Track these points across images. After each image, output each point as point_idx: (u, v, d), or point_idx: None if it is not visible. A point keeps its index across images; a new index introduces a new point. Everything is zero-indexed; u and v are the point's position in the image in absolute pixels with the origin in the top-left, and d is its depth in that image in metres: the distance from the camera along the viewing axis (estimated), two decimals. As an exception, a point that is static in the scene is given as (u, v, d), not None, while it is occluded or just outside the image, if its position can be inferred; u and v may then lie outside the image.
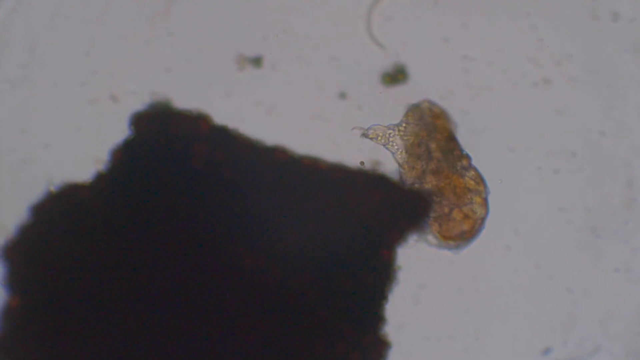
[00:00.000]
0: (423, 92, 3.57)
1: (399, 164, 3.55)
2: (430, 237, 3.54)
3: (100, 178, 3.49)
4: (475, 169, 3.54)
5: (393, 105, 3.57)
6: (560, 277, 3.57)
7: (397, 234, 3.50)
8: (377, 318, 3.49)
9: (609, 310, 3.56)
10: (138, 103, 3.53)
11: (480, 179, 3.54)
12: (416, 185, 3.52)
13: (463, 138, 3.57)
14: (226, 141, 3.50)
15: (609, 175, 3.55)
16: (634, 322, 3.56)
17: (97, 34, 3.55)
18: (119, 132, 3.51)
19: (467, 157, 3.53)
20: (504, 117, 3.57)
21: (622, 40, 3.55)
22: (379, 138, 3.53)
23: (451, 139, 3.53)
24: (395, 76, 3.57)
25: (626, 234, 3.56)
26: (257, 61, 3.57)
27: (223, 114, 3.52)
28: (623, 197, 3.55)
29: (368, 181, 3.53)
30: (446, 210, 3.52)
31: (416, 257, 3.54)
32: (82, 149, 3.53)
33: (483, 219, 3.53)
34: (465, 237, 3.53)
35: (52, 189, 3.49)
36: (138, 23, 3.57)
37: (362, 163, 3.53)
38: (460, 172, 3.53)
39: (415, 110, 3.53)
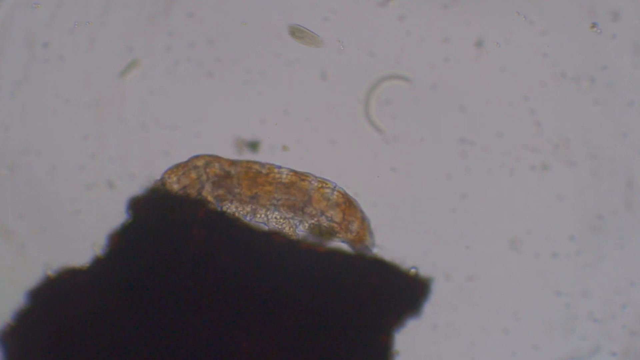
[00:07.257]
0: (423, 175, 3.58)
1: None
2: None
3: (97, 262, 3.48)
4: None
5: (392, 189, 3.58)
6: (560, 277, 3.55)
7: (395, 318, 3.49)
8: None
9: (609, 310, 3.54)
10: (135, 187, 3.53)
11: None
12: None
13: (461, 215, 3.58)
14: (224, 225, 3.50)
15: (609, 175, 3.54)
16: (633, 322, 3.54)
17: (97, 34, 3.56)
18: (117, 215, 3.51)
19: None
20: (504, 202, 3.58)
21: (622, 40, 3.55)
22: None
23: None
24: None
25: (626, 233, 3.54)
26: (254, 145, 3.56)
27: (221, 198, 3.53)
28: (623, 197, 3.54)
29: (366, 265, 3.52)
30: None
31: (413, 341, 3.52)
32: (80, 232, 3.54)
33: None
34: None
35: (50, 273, 3.48)
36: (138, 23, 3.58)
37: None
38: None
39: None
